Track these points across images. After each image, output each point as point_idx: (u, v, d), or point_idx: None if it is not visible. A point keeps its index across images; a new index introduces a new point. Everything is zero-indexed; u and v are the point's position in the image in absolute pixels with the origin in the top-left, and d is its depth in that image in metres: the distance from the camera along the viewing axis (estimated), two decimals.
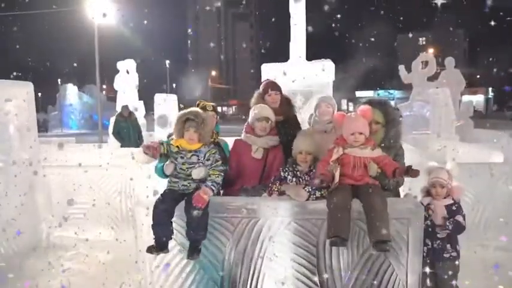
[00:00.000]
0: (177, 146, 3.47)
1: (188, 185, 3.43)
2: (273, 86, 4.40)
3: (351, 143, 3.40)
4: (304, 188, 3.42)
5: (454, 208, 3.52)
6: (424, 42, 70.02)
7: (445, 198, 3.58)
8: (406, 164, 3.49)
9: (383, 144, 3.61)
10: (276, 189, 3.56)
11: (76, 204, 6.03)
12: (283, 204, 3.39)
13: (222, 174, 3.42)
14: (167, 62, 52.88)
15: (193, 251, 3.34)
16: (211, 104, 4.15)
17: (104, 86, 42.10)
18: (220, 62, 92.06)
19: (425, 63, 13.70)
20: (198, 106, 4.05)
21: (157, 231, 3.31)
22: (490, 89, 56.41)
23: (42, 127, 36.95)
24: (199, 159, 3.45)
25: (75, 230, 5.98)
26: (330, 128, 4.06)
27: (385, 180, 3.50)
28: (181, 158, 3.45)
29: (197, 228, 3.31)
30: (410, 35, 69.59)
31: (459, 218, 3.47)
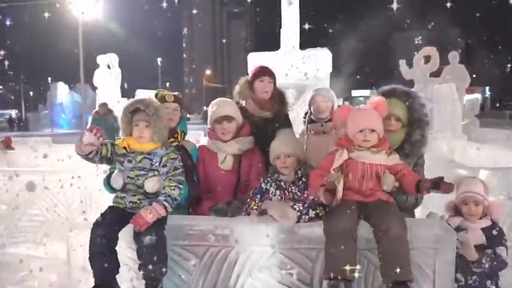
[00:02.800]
0: (125, 147, 2.60)
1: (138, 201, 2.58)
2: (267, 71, 3.52)
3: (358, 144, 2.52)
4: (292, 206, 2.54)
5: (494, 233, 2.63)
6: (420, 41, 69.59)
7: (480, 218, 2.69)
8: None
9: (400, 151, 2.73)
10: (255, 207, 2.66)
11: (27, 216, 5.13)
12: (265, 228, 2.50)
13: (181, 186, 2.57)
14: (159, 59, 51.70)
15: None
16: (173, 93, 3.24)
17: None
18: (215, 61, 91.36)
19: (428, 58, 12.87)
20: (156, 97, 3.15)
21: (96, 264, 2.45)
22: (487, 88, 56.00)
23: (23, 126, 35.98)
24: (152, 165, 2.59)
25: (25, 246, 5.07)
26: (329, 127, 3.18)
27: (402, 196, 2.63)
28: (129, 162, 2.60)
29: (152, 261, 2.43)
30: (406, 34, 69.27)
31: (501, 250, 2.57)
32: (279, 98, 3.57)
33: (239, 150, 3.06)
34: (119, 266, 2.51)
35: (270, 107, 3.45)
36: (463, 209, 2.70)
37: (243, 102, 3.46)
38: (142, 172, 2.59)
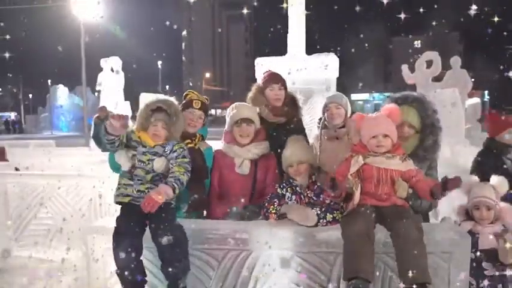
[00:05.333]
0: (139, 137, 2.67)
1: (146, 190, 2.59)
2: (277, 78, 3.55)
3: (372, 150, 2.57)
4: (311, 209, 2.59)
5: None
6: (419, 45, 69.72)
7: (491, 223, 2.75)
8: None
9: (414, 156, 2.79)
10: (273, 211, 2.71)
11: (38, 220, 5.15)
12: (283, 232, 2.55)
13: (189, 174, 2.62)
14: (159, 62, 51.85)
15: None
16: (201, 99, 3.21)
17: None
18: (214, 64, 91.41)
19: (430, 63, 12.94)
20: (185, 98, 3.19)
21: (127, 278, 2.45)
22: (486, 92, 56.13)
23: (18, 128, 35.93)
24: (165, 151, 2.68)
25: (35, 249, 5.10)
26: (343, 133, 3.23)
27: (417, 201, 2.68)
28: (143, 147, 2.66)
29: (173, 260, 2.47)
30: (406, 38, 69.39)
31: None
32: (291, 102, 3.61)
33: (256, 155, 3.09)
34: (145, 275, 2.53)
35: (284, 112, 3.50)
36: (475, 213, 2.76)
37: (257, 109, 3.51)
38: (154, 157, 2.64)
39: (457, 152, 7.31)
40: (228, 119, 3.21)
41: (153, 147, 2.66)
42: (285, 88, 3.57)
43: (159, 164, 2.62)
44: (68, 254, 5.21)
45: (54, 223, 5.28)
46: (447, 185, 2.38)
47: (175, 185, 2.51)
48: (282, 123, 3.42)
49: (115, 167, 2.81)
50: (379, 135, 2.58)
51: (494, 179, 2.89)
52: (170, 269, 2.47)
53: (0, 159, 6.55)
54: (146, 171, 2.63)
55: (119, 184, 2.70)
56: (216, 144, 3.39)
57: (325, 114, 3.42)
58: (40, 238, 5.28)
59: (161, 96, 2.83)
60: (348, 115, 3.34)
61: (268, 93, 3.47)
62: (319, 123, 3.44)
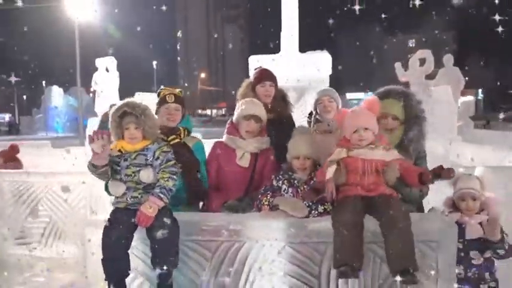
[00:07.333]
0: (119, 150, 2.68)
1: (139, 196, 2.64)
2: (268, 75, 3.62)
3: (355, 143, 2.66)
4: (303, 201, 2.65)
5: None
6: (413, 44, 70.01)
7: (477, 213, 2.82)
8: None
9: (400, 147, 2.87)
10: (266, 203, 2.77)
11: (35, 217, 5.16)
12: (276, 223, 2.62)
13: (174, 177, 2.64)
14: (154, 63, 51.78)
15: (163, 284, 2.59)
16: (174, 92, 3.27)
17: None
18: (210, 64, 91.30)
19: (423, 61, 13.06)
20: (159, 95, 3.25)
21: (110, 268, 2.53)
22: (480, 90, 56.45)
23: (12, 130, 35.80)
24: (147, 160, 2.68)
25: (32, 247, 5.11)
26: (335, 127, 3.29)
27: (406, 189, 2.75)
28: (125, 160, 2.67)
29: (165, 254, 2.54)
30: (400, 37, 69.67)
31: (506, 237, 2.72)
32: (281, 98, 3.68)
33: (257, 149, 3.16)
34: (129, 268, 2.59)
35: (274, 108, 3.56)
36: (461, 204, 2.83)
37: None
38: (138, 168, 2.64)
39: (449, 148, 7.42)
40: (238, 111, 3.25)
41: (135, 158, 2.65)
42: (276, 85, 3.64)
43: (145, 175, 2.62)
44: (64, 251, 5.26)
45: (51, 220, 5.32)
46: (441, 173, 2.47)
47: (162, 195, 2.55)
48: (271, 119, 3.49)
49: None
50: (360, 128, 2.66)
51: (479, 170, 2.97)
52: (162, 263, 2.53)
53: (11, 159, 5.99)
54: (135, 182, 2.65)
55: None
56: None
57: (317, 108, 3.49)
58: (37, 236, 5.31)
59: (127, 99, 2.79)
60: (339, 109, 3.41)
61: (259, 89, 3.53)
62: (309, 118, 3.51)
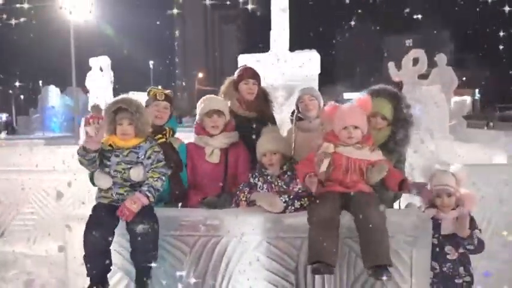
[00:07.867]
0: (110, 145, 2.70)
1: (125, 193, 2.67)
2: (251, 73, 3.64)
3: (343, 140, 2.67)
4: (279, 197, 2.68)
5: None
6: (410, 44, 70.09)
7: (453, 209, 2.86)
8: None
9: (384, 147, 2.90)
10: (244, 199, 2.80)
11: (21, 214, 5.19)
12: (252, 219, 2.64)
13: (163, 178, 2.68)
14: (151, 62, 51.66)
15: (141, 279, 2.61)
16: (165, 92, 3.35)
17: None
18: (207, 64, 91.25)
19: (416, 60, 13.09)
20: (148, 94, 3.29)
21: (92, 264, 2.55)
22: (477, 90, 56.57)
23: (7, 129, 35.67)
24: (138, 158, 2.70)
25: (20, 245, 5.13)
26: (316, 125, 3.32)
27: (383, 191, 2.79)
28: (116, 156, 2.69)
29: (145, 249, 2.57)
30: (397, 37, 69.73)
31: (477, 233, 2.75)
32: (263, 96, 3.71)
33: (225, 144, 3.19)
34: (111, 264, 2.61)
35: (255, 107, 3.59)
36: (437, 201, 2.87)
37: (228, 102, 3.60)
38: (129, 166, 2.66)
39: (441, 147, 7.47)
40: (198, 111, 3.29)
41: (127, 155, 2.68)
42: (259, 84, 3.66)
43: (135, 174, 2.65)
44: (51, 247, 5.27)
45: (38, 218, 5.34)
46: (422, 191, 2.68)
47: (149, 194, 2.58)
48: (252, 117, 3.51)
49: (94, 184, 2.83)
50: (350, 126, 2.67)
51: (455, 167, 3.01)
52: (142, 257, 2.56)
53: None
54: (124, 179, 2.67)
55: (99, 188, 2.75)
56: None
57: (299, 106, 3.51)
58: (24, 233, 5.34)
59: (123, 96, 2.82)
60: (321, 107, 3.44)
61: (242, 86, 3.55)
62: (292, 116, 3.53)
